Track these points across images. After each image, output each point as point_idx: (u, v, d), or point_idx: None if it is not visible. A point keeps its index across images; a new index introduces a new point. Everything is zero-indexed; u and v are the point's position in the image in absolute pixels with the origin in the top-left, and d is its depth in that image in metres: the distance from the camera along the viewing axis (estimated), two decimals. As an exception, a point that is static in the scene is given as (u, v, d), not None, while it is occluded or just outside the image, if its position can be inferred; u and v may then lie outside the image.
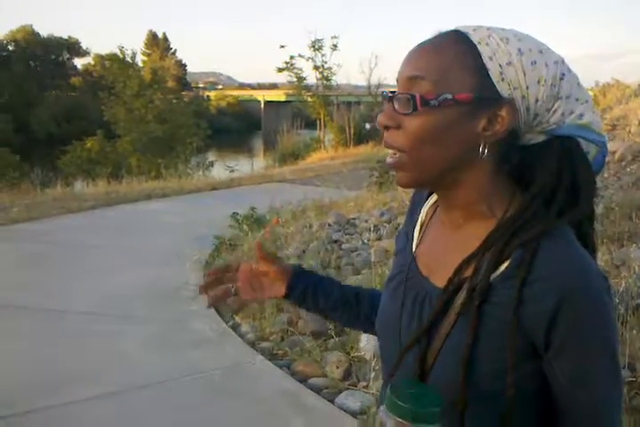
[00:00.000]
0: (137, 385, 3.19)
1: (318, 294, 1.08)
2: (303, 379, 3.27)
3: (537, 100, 0.76)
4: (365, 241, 5.44)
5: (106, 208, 8.41)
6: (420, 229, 0.93)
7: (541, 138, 0.79)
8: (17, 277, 5.10)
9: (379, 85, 22.20)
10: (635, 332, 2.92)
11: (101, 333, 3.94)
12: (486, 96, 0.75)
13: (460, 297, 0.77)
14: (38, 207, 8.05)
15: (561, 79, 0.76)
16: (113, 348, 3.70)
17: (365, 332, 1.17)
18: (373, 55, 24.36)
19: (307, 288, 1.07)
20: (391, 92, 0.78)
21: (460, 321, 0.77)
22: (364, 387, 3.08)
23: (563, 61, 0.78)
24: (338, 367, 3.23)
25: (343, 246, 5.48)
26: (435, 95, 0.74)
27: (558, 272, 0.72)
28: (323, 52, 20.42)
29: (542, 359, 0.75)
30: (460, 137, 0.76)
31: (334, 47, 20.39)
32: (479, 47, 0.75)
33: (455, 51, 0.75)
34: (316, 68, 20.68)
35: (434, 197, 0.93)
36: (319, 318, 3.78)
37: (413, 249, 0.91)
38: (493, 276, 0.76)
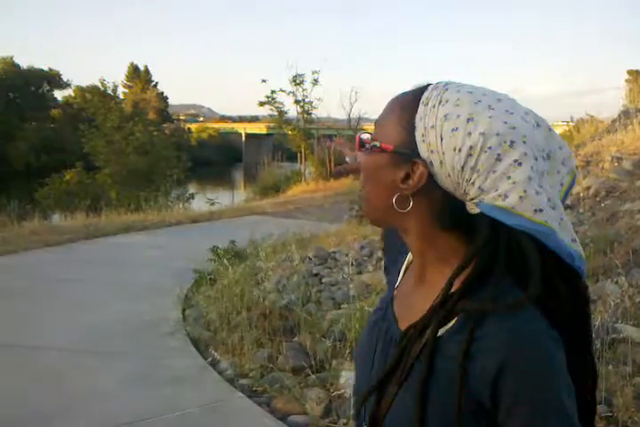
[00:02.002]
0: (116, 423, 3.12)
1: None
2: (283, 416, 3.23)
3: (453, 168, 0.75)
4: (346, 275, 5.46)
5: (84, 241, 8.33)
6: (406, 269, 0.96)
7: (476, 209, 0.76)
8: (-9, 312, 5.00)
9: (359, 119, 22.57)
10: (610, 367, 2.95)
11: (78, 369, 3.86)
12: (405, 152, 0.79)
13: (416, 347, 0.77)
14: (15, 240, 7.94)
15: (483, 151, 0.73)
16: (90, 385, 3.62)
17: None
18: (353, 90, 24.66)
19: None
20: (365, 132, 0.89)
21: (415, 370, 0.77)
22: (344, 424, 3.05)
23: (499, 134, 0.73)
24: (318, 404, 3.21)
25: (323, 280, 5.49)
26: (370, 141, 0.84)
27: (505, 331, 0.71)
28: (304, 87, 20.77)
29: (488, 414, 0.73)
30: (385, 182, 0.82)
31: (315, 82, 20.76)
32: (420, 106, 0.79)
33: (403, 106, 0.81)
34: (296, 102, 20.98)
35: None
36: (299, 353, 3.77)
37: (395, 287, 0.95)
38: (445, 328, 0.76)
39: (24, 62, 54.58)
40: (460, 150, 0.74)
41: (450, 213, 0.78)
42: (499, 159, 0.73)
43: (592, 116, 13.13)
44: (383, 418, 0.79)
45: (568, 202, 6.09)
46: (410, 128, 0.79)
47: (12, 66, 49.37)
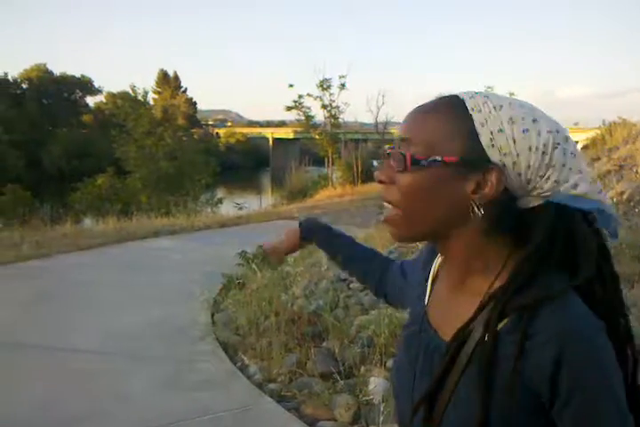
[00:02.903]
0: (148, 426, 3.16)
1: (332, 239, 1.36)
2: (312, 422, 3.22)
3: (529, 167, 0.78)
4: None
5: (115, 245, 8.47)
6: (433, 280, 0.96)
7: (539, 202, 0.80)
8: (26, 314, 5.11)
9: (386, 123, 22.53)
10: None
11: (109, 372, 3.92)
12: (474, 160, 0.78)
13: (466, 350, 0.79)
14: (48, 244, 8.12)
15: (554, 148, 0.78)
16: (121, 388, 3.67)
17: (375, 293, 1.30)
18: (380, 94, 24.66)
19: (318, 237, 1.36)
20: (391, 148, 0.84)
21: (466, 376, 0.78)
22: (373, 431, 3.03)
23: (558, 131, 0.79)
24: (347, 411, 3.20)
25: (351, 286, 5.47)
26: (425, 156, 0.79)
27: (557, 325, 0.74)
28: (331, 91, 20.84)
29: (545, 408, 0.76)
30: (448, 197, 0.80)
31: (342, 86, 20.82)
32: (472, 114, 0.79)
33: (449, 116, 0.80)
34: (324, 106, 21.06)
35: None
36: (327, 359, 3.76)
37: (425, 301, 0.95)
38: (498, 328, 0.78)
39: (57, 69, 55.87)
40: (536, 149, 0.78)
41: (509, 215, 0.81)
42: (566, 153, 0.79)
43: (624, 119, 12.87)
44: (439, 422, 0.80)
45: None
46: (472, 136, 0.79)
47: (45, 73, 50.61)
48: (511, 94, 22.21)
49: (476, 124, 0.79)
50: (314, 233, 1.37)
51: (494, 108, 0.79)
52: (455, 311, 0.85)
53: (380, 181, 0.84)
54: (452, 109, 0.81)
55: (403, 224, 0.83)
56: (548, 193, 0.79)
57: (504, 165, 0.78)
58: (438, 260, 0.97)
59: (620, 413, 0.75)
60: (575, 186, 0.79)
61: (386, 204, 0.84)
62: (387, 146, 0.87)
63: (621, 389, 0.76)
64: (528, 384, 0.75)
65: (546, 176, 0.78)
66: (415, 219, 0.82)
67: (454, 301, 0.87)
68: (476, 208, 0.79)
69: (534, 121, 0.78)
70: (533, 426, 0.77)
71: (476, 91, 0.83)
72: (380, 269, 1.26)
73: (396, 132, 0.91)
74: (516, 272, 0.78)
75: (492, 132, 0.78)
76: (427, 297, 0.95)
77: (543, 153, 0.78)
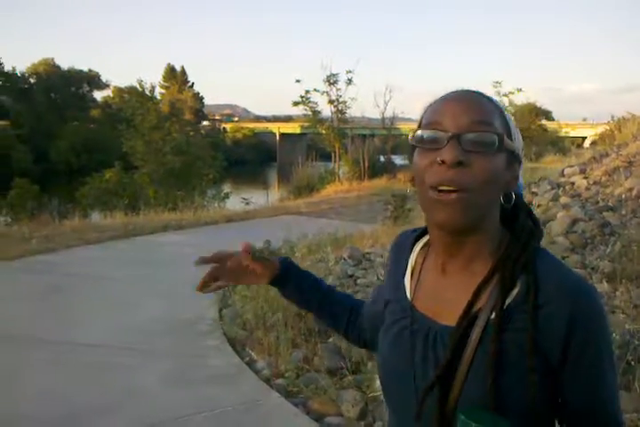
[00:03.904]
0: (155, 421, 3.19)
1: (299, 290, 1.20)
2: (319, 417, 3.24)
3: (521, 162, 0.91)
4: (380, 276, 5.44)
5: (123, 240, 8.50)
6: (412, 275, 0.97)
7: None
8: (36, 308, 5.15)
9: (393, 118, 22.45)
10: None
11: (118, 366, 3.95)
12: (517, 151, 0.88)
13: (476, 330, 0.82)
14: (57, 239, 8.16)
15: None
16: (130, 382, 3.70)
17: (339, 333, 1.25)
18: (388, 89, 24.55)
19: (288, 284, 1.19)
20: (455, 133, 0.81)
21: (480, 353, 0.81)
22: (380, 427, 3.05)
23: None
24: (354, 406, 3.21)
25: (358, 281, 5.48)
26: (505, 139, 0.84)
27: (563, 291, 0.81)
28: (337, 87, 20.78)
29: (553, 370, 0.83)
30: (501, 182, 0.85)
31: (349, 81, 20.75)
32: (502, 108, 0.88)
33: (494, 107, 0.86)
34: (330, 101, 21.01)
35: (422, 243, 1.00)
36: (334, 354, 3.77)
37: (408, 296, 0.95)
38: (506, 303, 0.82)
39: (65, 63, 55.96)
40: (522, 149, 0.90)
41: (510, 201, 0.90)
42: None
43: (633, 115, 12.77)
44: (454, 404, 0.82)
45: (610, 204, 5.95)
46: (508, 128, 0.87)
47: (53, 67, 50.75)
48: (519, 91, 22.07)
49: (507, 117, 0.87)
50: (290, 275, 1.19)
51: (506, 108, 0.87)
52: (453, 297, 0.88)
53: (460, 163, 0.79)
54: (492, 102, 0.87)
55: (473, 208, 0.82)
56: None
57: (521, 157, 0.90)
58: (414, 255, 0.99)
59: (614, 364, 0.86)
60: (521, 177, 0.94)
61: (456, 187, 0.80)
62: (430, 131, 0.83)
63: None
64: (541, 350, 0.81)
65: (520, 170, 0.91)
66: (483, 202, 0.83)
67: (451, 288, 0.89)
68: (511, 195, 0.89)
69: None
70: (544, 392, 0.82)
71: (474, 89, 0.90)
72: (349, 313, 1.20)
73: (404, 127, 0.84)
74: (515, 243, 0.87)
75: (514, 127, 0.88)
76: (408, 292, 0.95)
77: (522, 150, 0.91)
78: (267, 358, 4.02)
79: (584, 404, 0.84)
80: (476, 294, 0.84)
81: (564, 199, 6.33)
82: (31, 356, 4.09)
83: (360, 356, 3.72)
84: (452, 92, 0.87)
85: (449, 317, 0.86)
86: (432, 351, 0.87)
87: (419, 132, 0.85)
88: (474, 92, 0.87)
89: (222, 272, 1.16)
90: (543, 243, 3.42)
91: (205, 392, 3.56)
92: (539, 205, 6.31)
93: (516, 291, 0.82)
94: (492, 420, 0.77)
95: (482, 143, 0.81)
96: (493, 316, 0.81)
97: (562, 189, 6.87)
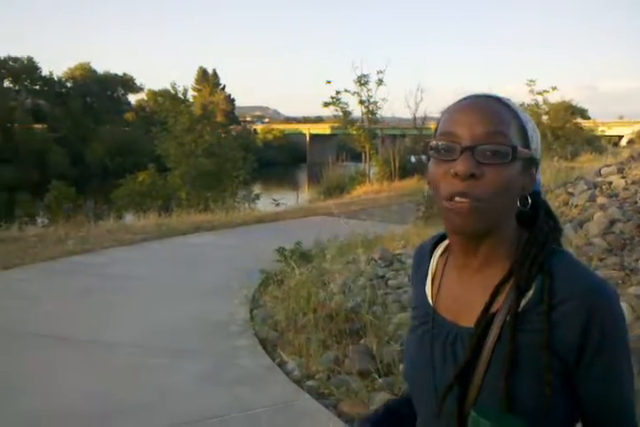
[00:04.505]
0: (187, 420, 3.22)
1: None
2: (350, 420, 3.22)
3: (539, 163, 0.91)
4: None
5: (157, 241, 8.63)
6: (433, 280, 0.99)
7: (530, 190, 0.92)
8: (72, 309, 5.26)
9: (424, 118, 22.28)
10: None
11: (151, 366, 4.00)
12: (533, 156, 0.88)
13: (493, 331, 0.84)
14: (92, 240, 8.33)
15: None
16: (163, 382, 3.75)
17: None
18: (419, 89, 24.37)
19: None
20: (468, 146, 0.82)
21: (497, 354, 0.83)
22: (412, 430, 3.01)
23: None
24: (385, 409, 3.18)
25: (389, 283, 5.44)
26: (521, 149, 0.85)
27: (579, 291, 0.82)
28: (368, 87, 20.72)
29: (569, 370, 0.83)
30: (517, 188, 0.86)
31: (380, 82, 20.67)
32: (518, 112, 0.87)
33: (509, 113, 0.86)
34: (361, 102, 20.96)
35: (441, 248, 1.01)
36: (365, 356, 3.75)
37: (430, 300, 0.97)
38: (522, 304, 0.83)
39: (100, 68, 57.13)
40: (539, 148, 0.91)
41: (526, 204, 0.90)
42: None
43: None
44: (473, 403, 0.84)
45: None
46: (524, 133, 0.87)
47: (89, 71, 51.88)
48: (553, 89, 21.66)
49: (524, 123, 0.87)
50: None
51: (523, 110, 0.89)
52: (472, 299, 0.89)
53: (472, 175, 0.81)
54: (504, 107, 0.87)
55: (485, 216, 0.83)
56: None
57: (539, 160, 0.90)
58: (435, 260, 1.00)
59: (631, 366, 0.86)
60: (540, 178, 0.94)
61: (468, 197, 0.82)
62: (444, 141, 0.85)
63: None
64: (556, 350, 0.81)
65: (539, 170, 0.92)
66: (497, 210, 0.84)
67: (469, 290, 0.91)
68: (527, 199, 0.89)
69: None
70: (562, 392, 0.83)
71: (491, 93, 0.90)
72: None
73: (459, 124, 0.79)
74: (531, 244, 0.87)
75: (532, 130, 0.88)
76: (429, 297, 0.98)
77: (539, 149, 0.91)
78: (297, 360, 4.02)
79: (599, 406, 0.86)
80: (493, 296, 0.85)
81: (600, 199, 6.17)
82: (66, 355, 4.17)
83: (391, 358, 3.69)
84: (467, 99, 0.88)
85: (468, 318, 0.88)
86: (451, 353, 0.89)
87: (433, 141, 0.86)
88: (489, 97, 0.88)
89: None
90: (580, 244, 3.35)
91: (237, 393, 3.58)
92: (575, 206, 6.17)
93: (531, 292, 0.84)
94: (504, 418, 0.78)
95: (495, 155, 0.82)
96: (509, 317, 0.83)
97: (599, 189, 6.70)
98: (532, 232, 0.89)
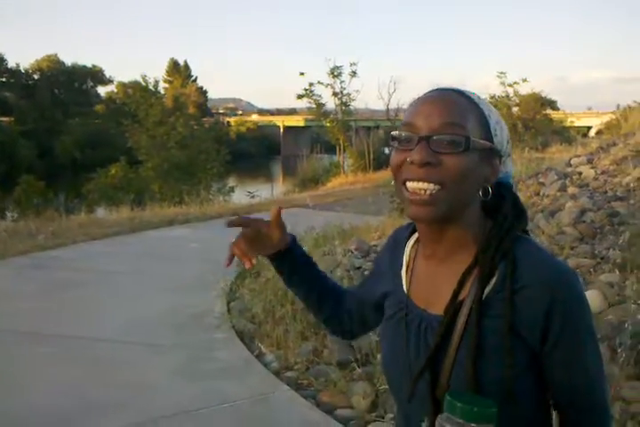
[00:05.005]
0: (164, 414, 3.19)
1: (297, 276, 1.20)
2: (330, 410, 3.24)
3: (504, 154, 0.95)
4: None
5: (129, 234, 8.51)
6: (407, 268, 1.03)
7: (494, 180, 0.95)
8: (44, 304, 5.16)
9: (397, 110, 22.35)
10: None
11: (128, 360, 3.96)
12: (494, 147, 0.91)
13: (461, 318, 0.87)
14: (64, 234, 8.18)
15: (509, 140, 0.96)
16: (138, 376, 3.71)
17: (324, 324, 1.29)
18: (392, 80, 24.39)
19: (291, 260, 1.19)
20: (424, 136, 0.87)
21: (465, 340, 0.86)
22: (391, 419, 3.04)
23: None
24: (364, 399, 3.21)
25: (366, 273, 5.47)
26: (477, 139, 0.88)
27: (541, 276, 0.85)
28: (342, 79, 20.70)
29: (536, 354, 0.87)
30: (477, 178, 0.90)
31: (353, 74, 20.66)
32: (480, 105, 0.91)
33: (469, 105, 0.90)
34: (334, 94, 20.93)
35: (413, 238, 1.05)
36: (344, 347, 3.76)
37: (404, 288, 1.01)
38: (486, 291, 0.87)
39: (68, 59, 55.89)
40: (508, 140, 0.95)
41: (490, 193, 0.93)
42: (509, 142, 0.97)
43: (639, 104, 12.70)
44: (445, 388, 0.87)
45: (619, 193, 5.91)
46: (485, 125, 0.90)
47: (56, 63, 50.74)
48: (524, 80, 21.91)
49: (486, 114, 0.91)
50: (295, 251, 1.21)
51: (487, 102, 0.93)
52: (441, 287, 0.93)
53: (428, 163, 0.86)
54: (468, 100, 0.91)
55: (444, 203, 0.87)
56: (501, 174, 0.96)
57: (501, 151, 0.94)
58: (408, 250, 1.04)
59: (597, 348, 0.90)
60: (511, 169, 1.00)
61: (425, 184, 0.87)
62: (404, 131, 0.90)
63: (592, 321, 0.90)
64: (520, 334, 0.85)
65: (506, 162, 0.97)
66: (457, 197, 0.88)
67: (438, 277, 0.95)
68: (488, 188, 0.92)
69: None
70: (527, 375, 0.87)
71: (456, 87, 0.94)
72: (335, 300, 1.22)
73: (418, 116, 0.84)
74: (496, 232, 0.90)
75: (494, 123, 0.91)
76: (404, 285, 1.01)
77: (507, 143, 0.95)
78: (276, 352, 4.02)
79: (566, 390, 0.89)
80: (460, 284, 0.89)
81: (571, 189, 6.28)
82: (39, 351, 4.10)
83: (370, 348, 3.72)
84: (430, 92, 0.93)
85: (437, 306, 0.92)
86: (424, 339, 0.93)
87: (395, 132, 0.91)
88: (451, 90, 0.92)
89: (248, 240, 1.15)
90: (552, 233, 3.41)
91: (215, 385, 3.57)
92: (547, 196, 6.27)
93: (495, 279, 0.87)
94: (478, 401, 0.81)
95: (449, 145, 0.86)
96: (474, 304, 0.87)
97: (569, 179, 6.82)
98: (496, 220, 0.92)
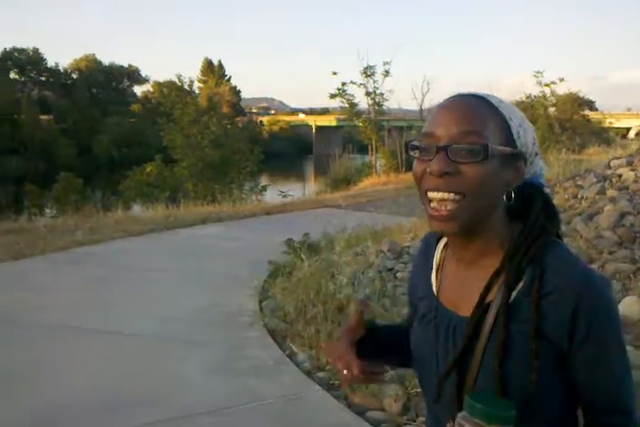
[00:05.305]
0: (197, 411, 3.24)
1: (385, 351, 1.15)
2: (361, 411, 3.24)
3: (530, 155, 0.94)
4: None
5: (164, 232, 8.65)
6: (437, 271, 1.04)
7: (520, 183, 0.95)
8: (81, 298, 5.28)
9: (430, 110, 22.13)
10: None
11: (163, 356, 4.03)
12: (516, 151, 0.91)
13: (488, 320, 0.89)
14: (101, 230, 8.36)
15: (536, 140, 0.96)
16: (172, 372, 3.77)
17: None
18: (425, 80, 24.20)
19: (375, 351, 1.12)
20: (442, 146, 0.88)
21: (492, 342, 0.88)
22: (422, 422, 3.02)
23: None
24: (396, 401, 3.19)
25: (398, 275, 5.45)
26: (492, 147, 0.88)
27: (568, 281, 0.86)
28: (375, 79, 20.63)
29: (563, 355, 0.88)
30: (499, 184, 0.90)
31: (386, 73, 20.57)
32: (500, 109, 0.91)
33: (488, 111, 0.90)
34: (367, 94, 20.88)
35: (443, 241, 1.06)
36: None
37: (434, 291, 1.02)
38: (513, 295, 0.88)
39: (106, 59, 57.01)
40: (533, 141, 0.95)
41: (516, 198, 0.93)
42: (536, 143, 0.98)
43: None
44: (471, 389, 0.89)
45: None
46: (507, 129, 0.91)
47: (94, 63, 51.85)
48: (561, 80, 21.50)
49: (507, 119, 0.91)
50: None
51: (508, 104, 0.93)
52: (470, 290, 0.94)
53: (447, 173, 0.87)
54: (487, 105, 0.91)
55: (465, 214, 0.88)
56: (528, 176, 0.96)
57: (525, 154, 0.93)
58: (438, 253, 1.05)
59: (624, 353, 0.90)
60: (542, 168, 0.99)
61: (446, 194, 0.87)
62: (424, 139, 0.91)
63: (621, 327, 0.91)
64: (547, 338, 0.86)
65: (534, 163, 0.97)
66: (478, 206, 0.88)
67: (466, 281, 0.96)
68: (511, 193, 0.92)
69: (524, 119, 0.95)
70: (553, 377, 0.88)
71: (476, 92, 0.94)
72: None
73: (437, 125, 0.83)
74: (524, 236, 0.91)
75: (517, 126, 0.92)
76: (434, 287, 1.03)
77: (534, 144, 0.95)
78: (307, 351, 4.04)
79: (592, 393, 0.90)
80: (488, 287, 0.90)
81: (610, 192, 6.14)
82: (77, 345, 4.20)
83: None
84: (448, 99, 0.93)
85: (466, 308, 0.93)
86: (452, 341, 0.94)
87: (415, 141, 0.93)
88: (470, 96, 0.92)
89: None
90: (590, 237, 3.34)
91: (248, 383, 3.60)
92: (585, 198, 6.14)
93: (522, 283, 0.88)
94: (498, 403, 0.82)
95: (468, 154, 0.86)
96: (501, 307, 0.88)
97: (608, 181, 6.66)
98: (525, 225, 0.93)
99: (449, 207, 0.87)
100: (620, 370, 0.91)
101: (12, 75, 47.30)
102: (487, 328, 0.89)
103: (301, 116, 65.32)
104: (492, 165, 0.87)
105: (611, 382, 0.90)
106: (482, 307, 0.90)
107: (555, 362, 0.88)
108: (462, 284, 0.97)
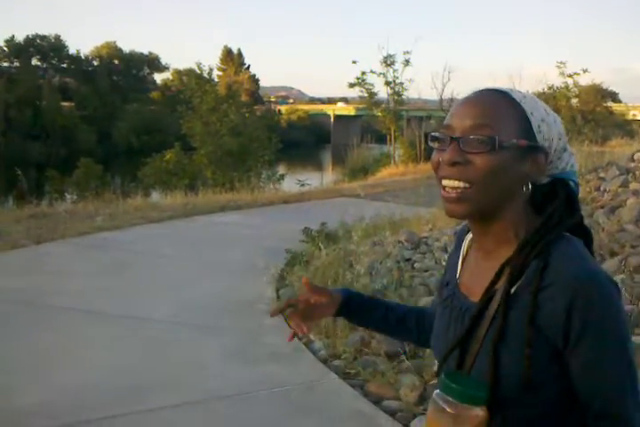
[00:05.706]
0: (215, 396, 3.28)
1: (364, 314, 1.30)
2: (376, 400, 3.25)
3: (555, 151, 0.98)
4: (438, 261, 5.37)
5: (183, 219, 8.71)
6: (463, 260, 1.11)
7: (547, 179, 0.99)
8: (101, 283, 5.35)
9: (451, 100, 21.93)
10: None
11: (181, 341, 4.07)
12: (532, 144, 0.94)
13: (493, 306, 0.93)
14: (121, 216, 8.44)
15: (564, 136, 0.99)
16: (190, 357, 3.82)
17: (415, 343, 1.41)
18: (446, 69, 23.94)
19: (352, 311, 1.29)
20: (455, 137, 0.94)
21: (492, 327, 0.92)
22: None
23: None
24: (412, 391, 3.20)
25: (416, 265, 5.43)
26: (507, 139, 0.92)
27: (566, 276, 0.88)
28: (394, 68, 20.45)
29: (560, 353, 0.89)
30: (513, 175, 0.93)
31: (406, 62, 20.38)
32: (522, 104, 0.95)
33: (507, 105, 0.94)
34: (387, 83, 20.72)
35: (471, 234, 1.10)
36: (392, 339, 3.76)
37: (457, 277, 1.09)
38: (517, 285, 0.92)
39: (126, 47, 57.19)
40: (559, 136, 0.98)
41: (537, 191, 0.97)
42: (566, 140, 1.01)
43: None
44: (469, 369, 0.94)
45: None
46: (526, 123, 0.94)
47: (115, 50, 52.03)
48: (584, 71, 21.13)
49: (528, 113, 0.94)
50: (352, 303, 1.29)
51: (532, 99, 0.96)
52: (484, 277, 0.98)
53: (457, 162, 0.92)
54: (507, 100, 0.95)
55: (473, 200, 0.93)
56: (557, 171, 1.00)
57: (547, 148, 0.96)
58: (466, 244, 1.12)
59: (625, 355, 0.89)
60: (573, 165, 1.02)
61: (456, 182, 0.93)
62: (442, 131, 0.97)
63: (628, 335, 0.91)
64: (542, 329, 0.88)
65: (562, 158, 1.00)
66: (487, 194, 0.93)
67: (483, 269, 1.00)
68: (528, 185, 0.95)
69: (552, 112, 0.98)
70: (548, 371, 0.90)
71: (500, 87, 0.98)
72: (415, 319, 1.30)
73: (455, 117, 0.90)
74: (538, 229, 0.94)
75: (538, 120, 0.95)
76: (458, 272, 1.10)
77: (559, 139, 0.98)
78: (324, 340, 4.05)
79: (587, 393, 0.90)
80: (498, 275, 0.95)
81: (634, 185, 6.04)
82: (96, 329, 4.26)
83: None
84: (470, 94, 0.98)
85: (477, 295, 0.98)
86: (461, 322, 1.00)
87: (435, 133, 0.98)
88: (492, 91, 0.97)
89: (302, 315, 1.26)
90: (612, 230, 3.30)
91: (265, 370, 3.63)
92: (607, 191, 6.05)
93: (525, 274, 0.92)
94: (471, 383, 0.86)
95: (477, 145, 0.91)
96: (502, 295, 0.93)
97: (631, 174, 6.55)
98: (540, 220, 0.96)
99: (457, 191, 0.93)
100: (619, 374, 0.89)
101: (34, 61, 47.70)
102: (490, 314, 0.93)
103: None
104: (503, 156, 0.91)
105: (607, 385, 0.89)
106: (489, 293, 0.95)
107: (551, 358, 0.89)
108: (479, 272, 1.02)
